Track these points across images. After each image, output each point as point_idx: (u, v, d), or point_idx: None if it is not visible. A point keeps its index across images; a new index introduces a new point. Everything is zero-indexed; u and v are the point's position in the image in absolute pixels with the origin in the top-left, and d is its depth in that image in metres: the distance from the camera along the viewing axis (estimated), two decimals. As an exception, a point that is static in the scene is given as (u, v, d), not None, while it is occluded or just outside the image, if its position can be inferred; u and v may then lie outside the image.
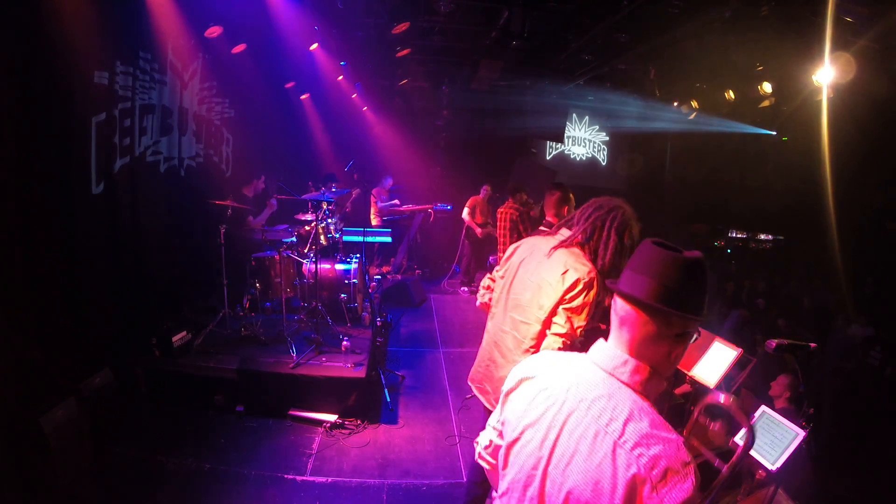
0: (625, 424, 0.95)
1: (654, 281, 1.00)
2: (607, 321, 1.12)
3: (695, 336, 1.07)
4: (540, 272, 2.15)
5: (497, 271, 2.50)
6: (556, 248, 2.14)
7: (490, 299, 2.49)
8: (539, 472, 1.04)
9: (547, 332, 2.12)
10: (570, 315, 2.05)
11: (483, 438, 1.32)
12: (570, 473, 0.98)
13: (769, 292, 7.71)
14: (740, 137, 9.64)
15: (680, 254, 1.03)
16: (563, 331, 2.05)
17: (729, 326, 5.39)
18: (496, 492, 1.23)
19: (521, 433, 1.09)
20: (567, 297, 2.05)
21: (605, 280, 1.09)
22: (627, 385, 1.01)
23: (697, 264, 1.02)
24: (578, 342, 2.10)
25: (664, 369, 1.04)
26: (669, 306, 1.00)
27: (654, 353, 1.02)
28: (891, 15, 4.33)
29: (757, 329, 5.49)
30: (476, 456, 1.36)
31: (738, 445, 1.87)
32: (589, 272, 2.04)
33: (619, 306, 1.05)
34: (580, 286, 2.03)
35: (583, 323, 2.05)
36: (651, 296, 1.00)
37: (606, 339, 1.10)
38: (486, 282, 2.56)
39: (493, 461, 1.28)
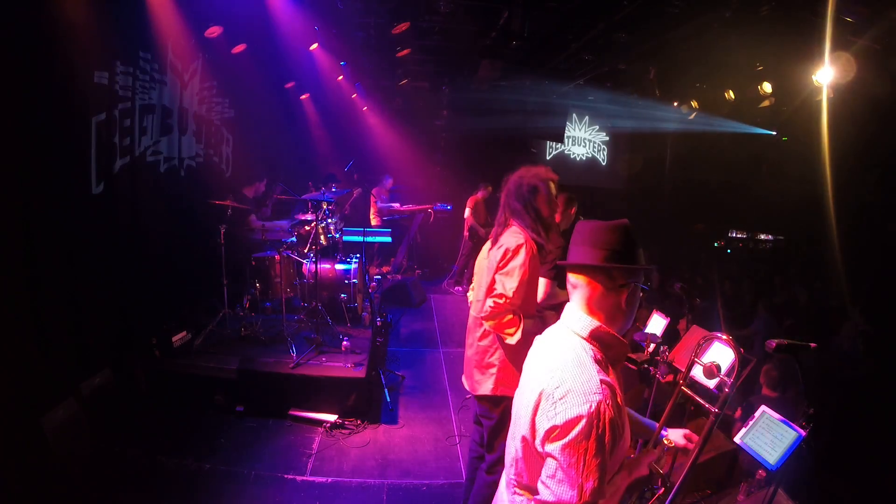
0: (559, 360, 1.18)
1: (591, 247, 1.23)
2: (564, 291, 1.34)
3: (641, 285, 1.30)
4: (489, 257, 2.45)
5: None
6: (500, 233, 2.43)
7: None
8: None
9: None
10: (503, 280, 2.28)
11: None
12: (521, 404, 1.26)
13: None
14: (740, 137, 9.64)
15: (607, 222, 1.25)
16: (497, 292, 2.27)
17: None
18: None
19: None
20: (500, 264, 2.31)
21: (556, 261, 1.34)
22: (579, 335, 1.23)
23: (623, 227, 1.25)
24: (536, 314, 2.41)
25: (618, 318, 1.26)
26: (606, 262, 1.21)
27: (606, 306, 1.24)
28: (891, 15, 4.33)
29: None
30: None
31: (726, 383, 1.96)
32: (518, 241, 2.30)
33: (571, 278, 1.29)
34: (509, 254, 2.29)
35: (515, 284, 2.25)
36: (591, 258, 1.23)
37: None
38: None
39: None
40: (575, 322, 1.25)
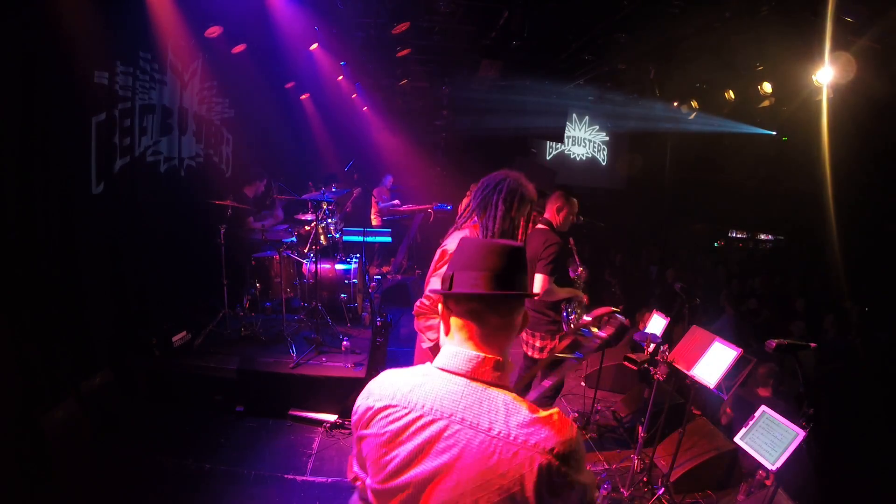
0: (507, 423, 0.92)
1: (487, 272, 1.00)
2: None
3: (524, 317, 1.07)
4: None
5: None
6: (451, 231, 2.34)
7: None
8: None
9: None
10: (435, 281, 2.20)
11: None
12: (465, 488, 0.91)
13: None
14: (740, 137, 9.64)
15: (498, 243, 1.05)
16: (426, 293, 2.20)
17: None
18: None
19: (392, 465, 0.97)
20: (437, 265, 2.24)
21: (439, 290, 1.07)
22: (490, 383, 0.98)
23: (517, 249, 1.04)
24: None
25: (508, 354, 1.05)
26: (506, 289, 1.00)
27: (502, 341, 1.02)
28: (891, 15, 4.33)
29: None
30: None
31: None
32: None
33: (461, 308, 1.02)
34: (445, 257, 2.21)
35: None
36: (489, 286, 1.00)
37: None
38: None
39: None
40: (480, 369, 1.04)
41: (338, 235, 5.51)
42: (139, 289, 4.08)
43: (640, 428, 3.17)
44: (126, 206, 3.94)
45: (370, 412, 1.00)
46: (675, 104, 8.19)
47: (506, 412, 0.93)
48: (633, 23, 5.34)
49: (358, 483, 1.13)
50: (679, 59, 6.57)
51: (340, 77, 7.41)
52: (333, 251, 5.69)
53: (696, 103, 7.88)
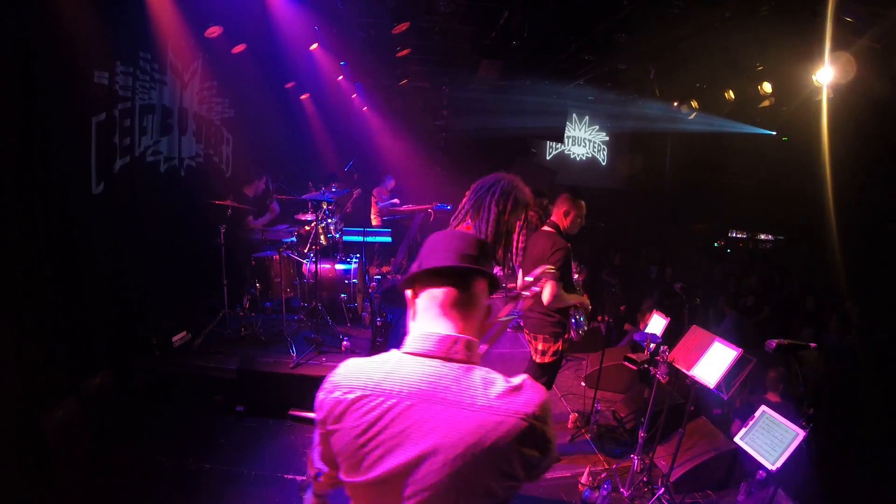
0: (487, 395, 0.94)
1: (453, 253, 1.05)
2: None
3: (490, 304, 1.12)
4: None
5: None
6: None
7: None
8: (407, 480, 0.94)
9: None
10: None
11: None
12: (454, 467, 0.91)
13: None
14: (740, 137, 9.64)
15: (465, 232, 1.11)
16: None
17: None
18: None
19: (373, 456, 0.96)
20: None
21: (407, 277, 1.09)
22: (464, 361, 1.00)
23: (482, 240, 1.12)
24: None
25: (480, 335, 1.08)
26: (478, 265, 1.05)
27: (471, 322, 1.05)
28: (891, 15, 4.33)
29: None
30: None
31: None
32: None
33: (429, 290, 1.05)
34: None
35: None
36: (457, 263, 1.04)
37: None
38: None
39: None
40: (454, 349, 1.08)
41: (338, 235, 5.50)
42: (139, 289, 4.07)
43: (641, 428, 3.17)
44: (126, 206, 3.94)
45: (342, 405, 0.98)
46: (675, 104, 8.20)
47: (483, 386, 0.95)
48: (633, 23, 5.34)
49: (320, 479, 1.13)
50: (679, 59, 6.58)
51: (340, 77, 7.41)
52: (333, 251, 5.69)
53: (696, 103, 7.88)
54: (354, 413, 0.96)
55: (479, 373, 0.98)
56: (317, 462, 1.12)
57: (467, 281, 1.05)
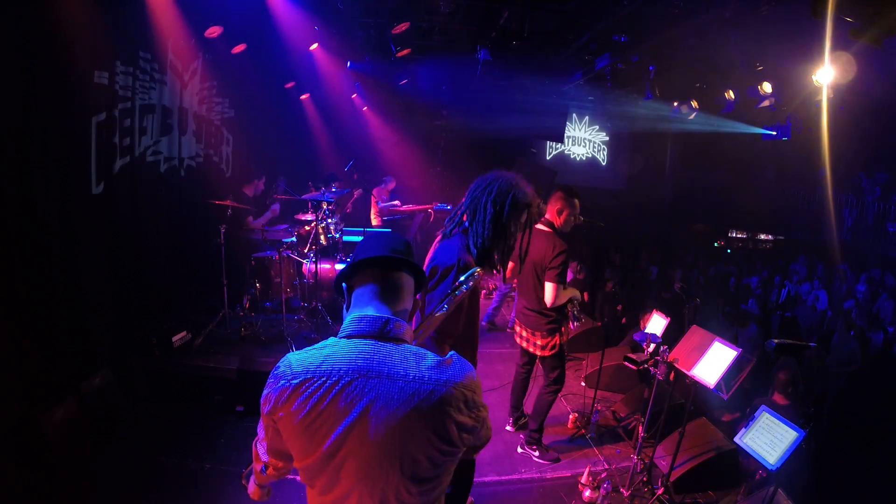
0: (419, 368, 1.04)
1: (384, 249, 1.16)
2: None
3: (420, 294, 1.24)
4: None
5: None
6: (438, 237, 2.21)
7: None
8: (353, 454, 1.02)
9: None
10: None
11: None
12: (395, 436, 1.00)
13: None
14: (740, 137, 9.65)
15: (392, 233, 1.17)
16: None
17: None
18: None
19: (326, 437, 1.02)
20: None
21: (342, 271, 1.18)
22: (396, 339, 1.09)
23: (408, 241, 1.23)
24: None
25: (409, 320, 1.18)
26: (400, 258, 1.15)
27: (402, 307, 1.15)
28: (891, 15, 4.33)
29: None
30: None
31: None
32: (451, 262, 1.98)
33: (363, 280, 1.15)
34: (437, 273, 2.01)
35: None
36: (388, 253, 1.15)
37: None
38: None
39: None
40: (387, 328, 1.15)
41: (338, 235, 5.51)
42: (139, 289, 4.07)
43: (640, 428, 3.17)
44: (126, 206, 3.94)
45: (287, 392, 1.03)
46: (675, 104, 8.21)
47: (416, 360, 1.06)
48: (633, 23, 5.35)
49: (267, 471, 1.22)
50: (679, 59, 6.58)
51: (340, 77, 7.41)
52: (333, 251, 5.69)
53: (695, 103, 7.89)
54: (300, 398, 1.02)
55: (411, 349, 1.08)
56: (263, 455, 1.21)
57: (396, 271, 1.15)
